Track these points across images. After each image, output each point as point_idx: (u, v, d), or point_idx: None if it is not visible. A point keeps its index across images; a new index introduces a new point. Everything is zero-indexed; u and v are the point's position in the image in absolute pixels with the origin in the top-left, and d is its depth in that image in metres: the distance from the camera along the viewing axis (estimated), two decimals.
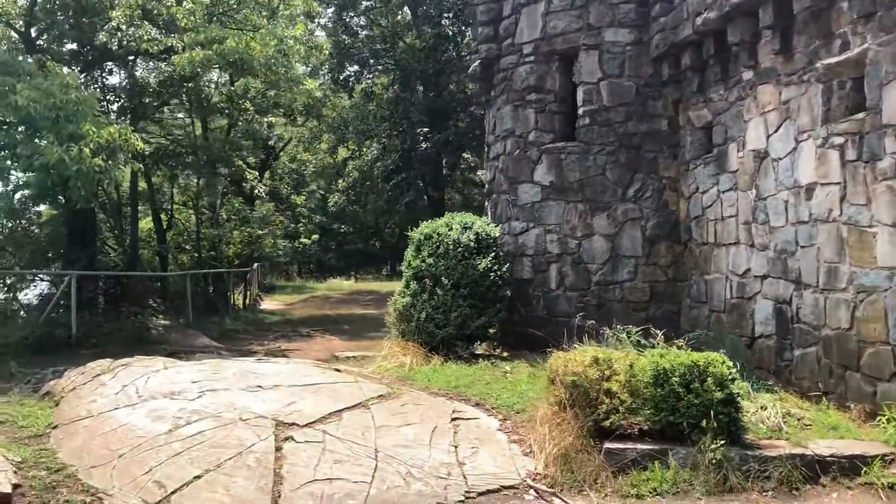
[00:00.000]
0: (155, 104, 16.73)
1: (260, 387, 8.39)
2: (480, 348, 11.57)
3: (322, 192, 47.92)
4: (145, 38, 14.11)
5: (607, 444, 6.80)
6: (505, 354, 11.79)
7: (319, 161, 49.33)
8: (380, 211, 38.26)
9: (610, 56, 11.80)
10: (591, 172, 11.89)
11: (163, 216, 22.41)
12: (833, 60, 8.22)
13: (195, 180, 21.89)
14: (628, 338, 9.42)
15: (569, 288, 11.98)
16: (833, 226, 8.27)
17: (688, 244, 11.62)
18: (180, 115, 23.28)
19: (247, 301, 25.76)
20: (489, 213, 13.38)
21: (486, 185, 13.74)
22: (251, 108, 18.14)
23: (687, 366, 6.82)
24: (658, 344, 8.88)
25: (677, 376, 6.78)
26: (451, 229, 11.67)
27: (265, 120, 19.74)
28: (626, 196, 11.80)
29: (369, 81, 31.85)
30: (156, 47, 14.95)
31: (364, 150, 37.20)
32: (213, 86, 17.52)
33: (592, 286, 11.86)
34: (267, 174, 36.58)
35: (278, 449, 6.66)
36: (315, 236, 51.76)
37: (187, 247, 23.37)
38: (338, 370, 10.18)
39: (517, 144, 12.64)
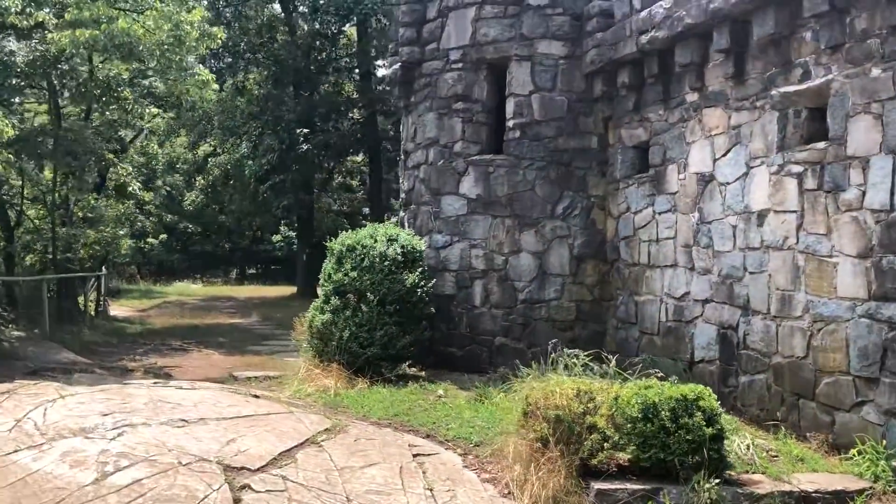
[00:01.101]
0: (21, 85, 14.73)
1: (185, 420, 7.32)
2: (406, 369, 10.86)
3: (169, 188, 45.19)
4: (13, 9, 12.32)
5: (597, 485, 6.34)
6: (423, 374, 11.16)
7: (175, 155, 46.49)
8: (245, 212, 36.44)
9: (542, 69, 11.48)
10: (521, 187, 11.51)
11: (10, 213, 19.95)
12: (792, 89, 8.24)
13: (50, 173, 19.68)
14: (571, 361, 9.09)
15: (494, 305, 11.53)
16: (788, 253, 8.28)
17: (615, 264, 11.49)
18: (32, 101, 20.92)
19: (98, 307, 23.58)
20: (406, 225, 12.70)
21: (403, 195, 13.06)
22: (130, 97, 16.43)
23: (676, 399, 6.49)
24: (611, 368, 8.60)
25: (667, 410, 6.44)
26: (375, 241, 10.91)
27: (147, 111, 17.98)
28: (555, 213, 11.51)
29: (242, 76, 30.21)
30: (25, 22, 13.13)
31: (230, 147, 35.27)
32: (85, 69, 15.66)
33: (518, 304, 11.47)
34: (113, 168, 33.85)
35: (237, 501, 5.69)
36: (163, 236, 48.75)
37: (37, 247, 20.96)
38: (257, 396, 9.17)
39: (442, 154, 12.06)
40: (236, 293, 36.70)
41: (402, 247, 10.95)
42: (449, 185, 11.95)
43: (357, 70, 30.82)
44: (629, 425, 6.53)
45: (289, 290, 35.81)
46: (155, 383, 9.67)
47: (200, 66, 14.24)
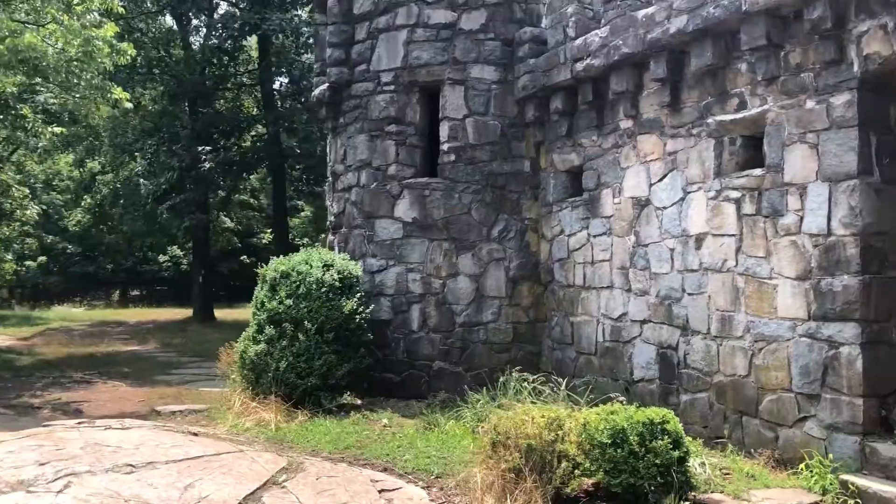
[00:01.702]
0: None
1: (132, 466, 6.86)
2: (345, 399, 10.60)
3: (45, 206, 42.79)
4: None
5: None
6: (361, 403, 10.94)
7: (53, 172, 44.12)
8: (138, 232, 34.85)
9: (475, 93, 11.55)
10: (457, 211, 11.50)
11: None
12: (728, 118, 8.61)
13: None
14: (520, 385, 9.15)
15: (432, 329, 11.45)
16: (728, 275, 8.61)
17: (549, 285, 11.64)
18: None
19: None
20: (337, 249, 12.45)
21: (332, 218, 12.79)
22: (30, 115, 15.37)
23: (643, 423, 6.60)
24: (562, 391, 8.70)
25: (635, 435, 6.54)
26: (311, 267, 10.63)
27: (48, 130, 16.89)
28: (490, 236, 11.56)
29: (138, 91, 28.94)
30: None
31: (122, 165, 33.68)
32: None
33: (457, 328, 11.43)
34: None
35: None
36: (42, 258, 46.10)
37: None
38: (196, 434, 8.73)
39: (375, 177, 11.90)
40: (124, 317, 35.06)
41: (339, 272, 10.73)
42: (383, 208, 11.81)
43: (259, 86, 30.15)
44: (598, 451, 6.59)
45: (181, 312, 34.52)
46: (80, 423, 9.02)
47: (111, 82, 13.50)
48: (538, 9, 11.80)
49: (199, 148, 26.56)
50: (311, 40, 26.39)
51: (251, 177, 31.57)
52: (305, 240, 42.42)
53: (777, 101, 8.05)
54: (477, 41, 11.56)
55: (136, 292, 49.84)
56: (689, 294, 9.13)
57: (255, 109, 31.75)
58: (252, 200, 36.75)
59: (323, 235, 39.52)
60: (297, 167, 28.94)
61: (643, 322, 9.83)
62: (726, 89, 8.67)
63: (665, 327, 9.48)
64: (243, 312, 36.45)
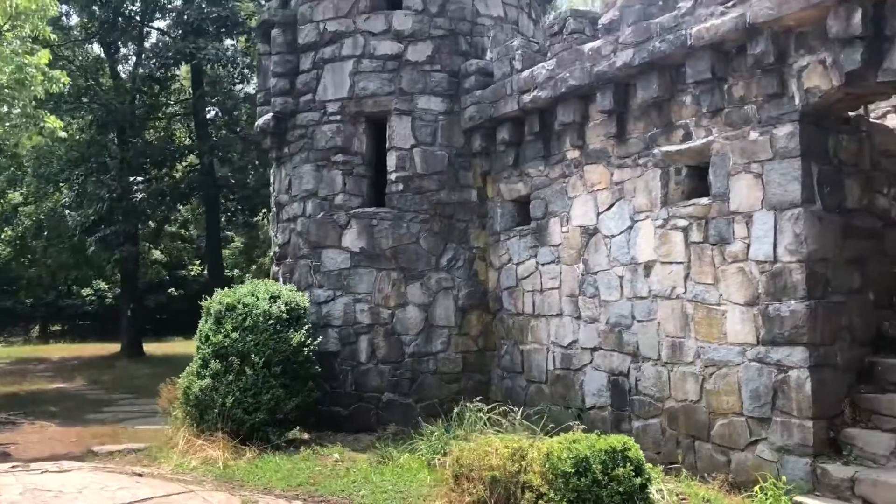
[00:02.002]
0: None
1: None
2: (294, 434, 10.34)
3: None
4: None
5: None
6: (310, 437, 10.69)
7: None
8: (64, 265, 33.52)
9: (423, 123, 11.58)
10: (405, 240, 11.45)
11: None
12: (674, 148, 8.84)
13: None
14: (475, 416, 9.11)
15: (381, 360, 11.31)
16: (677, 302, 8.78)
17: (498, 314, 11.66)
18: None
19: None
20: (282, 280, 12.21)
21: (277, 249, 12.56)
22: None
23: (606, 451, 6.61)
24: (516, 423, 8.68)
25: (598, 463, 6.53)
26: (257, 299, 10.39)
27: None
28: (439, 265, 11.54)
29: (65, 120, 27.95)
30: None
31: (46, 196, 32.45)
32: None
33: (406, 358, 11.32)
34: None
35: None
36: None
37: None
38: (140, 474, 8.36)
39: (321, 207, 11.76)
40: (46, 353, 33.62)
41: (287, 303, 10.52)
42: (330, 238, 11.66)
43: (193, 116, 29.60)
44: (562, 481, 6.55)
45: (107, 347, 33.31)
46: (13, 467, 8.55)
47: (42, 111, 13.03)
48: (483, 41, 11.95)
49: (131, 178, 25.82)
50: (245, 70, 26.23)
51: (183, 207, 30.82)
52: (236, 271, 41.55)
53: (722, 132, 8.30)
54: (423, 72, 11.62)
55: (57, 327, 47.84)
56: (640, 321, 9.26)
57: (188, 139, 31.14)
58: (183, 232, 35.86)
59: (255, 266, 38.93)
60: (232, 197, 28.41)
61: (594, 349, 9.92)
62: (672, 121, 8.91)
63: (616, 354, 9.58)
64: (173, 346, 35.45)
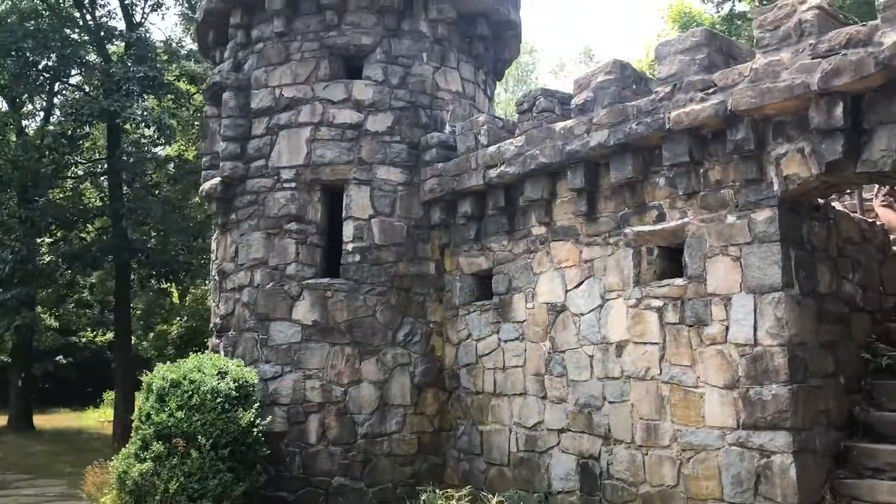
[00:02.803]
0: None
1: None
2: None
3: None
4: None
5: None
6: None
7: None
8: None
9: (382, 194, 11.32)
10: (361, 313, 11.01)
11: None
12: (647, 228, 8.87)
13: None
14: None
15: (332, 442, 10.69)
16: (652, 384, 8.66)
17: (454, 392, 11.28)
18: None
19: None
20: (224, 353, 11.49)
21: (218, 321, 11.85)
22: None
23: None
24: None
25: None
26: (205, 374, 9.70)
27: None
28: (396, 340, 11.13)
29: None
30: None
31: None
32: None
33: (359, 439, 10.74)
34: None
35: None
36: None
37: None
38: None
39: (271, 277, 11.22)
40: None
41: (235, 380, 9.87)
42: (280, 310, 11.10)
43: (107, 177, 28.31)
44: None
45: None
46: None
47: None
48: (442, 115, 11.90)
49: (38, 240, 24.30)
50: (168, 132, 25.36)
51: (96, 273, 29.17)
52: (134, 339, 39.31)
53: (697, 214, 8.38)
54: (383, 143, 11.42)
55: None
56: (611, 402, 9.09)
57: (99, 200, 29.73)
58: (89, 297, 33.86)
59: (152, 334, 36.97)
60: (146, 262, 27.11)
61: (561, 431, 9.65)
62: (645, 201, 8.96)
63: (585, 436, 9.34)
64: (62, 419, 32.99)
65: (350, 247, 11.16)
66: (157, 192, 26.66)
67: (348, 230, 11.22)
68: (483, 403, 10.79)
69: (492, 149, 10.41)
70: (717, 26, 23.33)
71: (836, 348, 8.21)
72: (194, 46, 24.60)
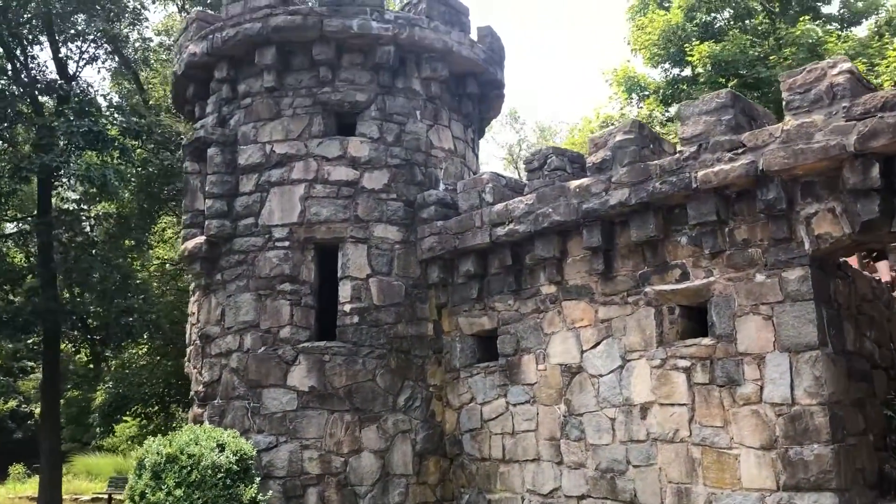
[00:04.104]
0: None
1: None
2: None
3: None
4: None
5: None
6: None
7: None
8: None
9: (379, 252, 10.98)
10: (361, 378, 10.53)
11: None
12: (669, 287, 8.81)
13: None
14: None
15: None
16: (682, 446, 8.49)
17: (457, 459, 10.83)
18: None
19: None
20: (209, 423, 10.72)
21: (202, 388, 11.09)
22: None
23: None
24: None
25: None
26: (202, 448, 8.99)
27: None
28: (396, 405, 10.66)
29: None
30: None
31: None
32: None
33: None
34: None
35: None
36: None
37: None
38: None
39: (263, 340, 10.64)
40: None
41: (235, 453, 9.18)
42: (274, 375, 10.50)
43: (36, 236, 26.76)
44: None
45: None
46: None
47: None
48: (436, 173, 11.72)
49: None
50: (111, 188, 24.26)
51: (26, 337, 27.33)
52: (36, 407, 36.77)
53: (723, 273, 8.38)
54: (380, 200, 11.12)
55: None
56: (636, 466, 8.86)
57: (26, 260, 28.06)
58: (17, 365, 31.70)
59: (63, 400, 34.67)
60: (80, 326, 25.58)
61: (581, 497, 9.34)
62: (666, 260, 8.91)
63: (609, 502, 9.05)
64: None
65: (348, 308, 10.71)
66: (93, 251, 25.37)
67: (345, 290, 10.78)
68: (491, 471, 10.38)
69: (498, 206, 10.25)
70: (661, 90, 24.09)
71: (864, 406, 8.25)
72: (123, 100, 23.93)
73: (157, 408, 26.49)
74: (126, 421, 28.32)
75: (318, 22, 11.06)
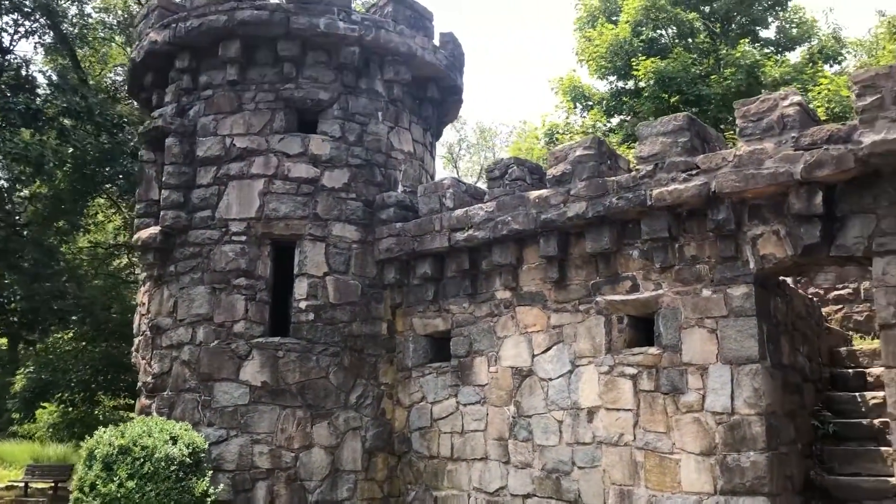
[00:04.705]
0: None
1: None
2: None
3: None
4: None
5: None
6: None
7: None
8: None
9: (337, 251, 11.09)
10: (314, 374, 10.64)
11: None
12: (619, 298, 9.23)
13: None
14: None
15: None
16: (626, 450, 8.91)
17: (405, 456, 11.05)
18: None
19: None
20: (157, 415, 10.67)
21: (150, 380, 11.00)
22: None
23: None
24: None
25: None
26: (155, 440, 8.99)
27: None
28: (348, 403, 10.81)
29: None
30: None
31: None
32: None
33: None
34: None
35: None
36: None
37: None
38: None
39: (217, 334, 10.64)
40: None
41: (188, 445, 9.20)
42: (226, 369, 10.52)
43: None
44: None
45: None
46: None
47: None
48: (395, 174, 11.90)
49: None
50: (48, 169, 23.55)
51: None
52: None
53: (672, 287, 8.83)
54: (340, 199, 11.24)
55: None
56: (581, 467, 9.25)
57: None
58: None
59: None
60: (6, 310, 24.76)
61: (526, 496, 9.68)
62: (618, 271, 9.31)
63: (553, 501, 9.42)
64: None
65: (303, 305, 10.80)
66: (25, 232, 24.60)
67: (301, 287, 10.87)
68: (438, 468, 10.64)
69: (459, 212, 10.50)
70: (606, 101, 24.75)
71: (795, 417, 8.82)
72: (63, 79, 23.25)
73: (82, 395, 25.73)
74: (44, 407, 27.50)
75: (284, 19, 11.10)
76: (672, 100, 20.81)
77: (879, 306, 7.60)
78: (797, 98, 8.03)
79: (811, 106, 17.51)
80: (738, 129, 8.33)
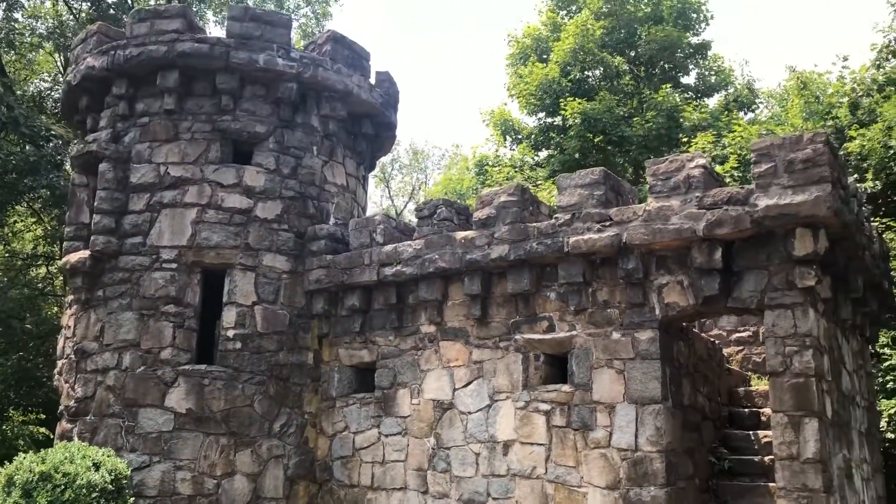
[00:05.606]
0: None
1: None
2: None
3: None
4: None
5: None
6: None
7: None
8: None
9: (266, 281, 11.34)
10: (239, 402, 10.83)
11: None
12: (536, 337, 9.78)
13: None
14: None
15: None
16: (537, 482, 9.42)
17: (326, 485, 11.30)
18: None
19: None
20: (78, 440, 10.66)
21: (73, 404, 10.98)
22: None
23: None
24: None
25: None
26: (77, 466, 9.04)
27: None
28: (272, 431, 11.02)
29: None
30: None
31: None
32: None
33: None
34: None
35: None
36: None
37: None
38: None
39: (143, 360, 10.74)
40: None
41: (110, 472, 9.28)
42: (151, 395, 10.61)
43: None
44: None
45: None
46: None
47: None
48: (328, 207, 12.23)
49: None
50: None
51: None
52: None
53: (585, 328, 9.42)
54: (272, 230, 11.50)
55: None
56: (496, 498, 9.70)
57: None
58: None
59: None
60: None
61: None
62: (536, 312, 9.87)
63: None
64: None
65: (231, 333, 11.00)
66: None
67: (230, 316, 11.07)
68: (359, 497, 10.94)
69: (388, 248, 10.90)
70: (534, 136, 25.57)
71: (693, 454, 9.48)
72: None
73: None
74: None
75: (224, 53, 11.37)
76: (596, 139, 21.74)
77: (769, 355, 8.34)
78: (702, 161, 8.76)
79: (725, 152, 18.72)
80: (648, 186, 9.01)
